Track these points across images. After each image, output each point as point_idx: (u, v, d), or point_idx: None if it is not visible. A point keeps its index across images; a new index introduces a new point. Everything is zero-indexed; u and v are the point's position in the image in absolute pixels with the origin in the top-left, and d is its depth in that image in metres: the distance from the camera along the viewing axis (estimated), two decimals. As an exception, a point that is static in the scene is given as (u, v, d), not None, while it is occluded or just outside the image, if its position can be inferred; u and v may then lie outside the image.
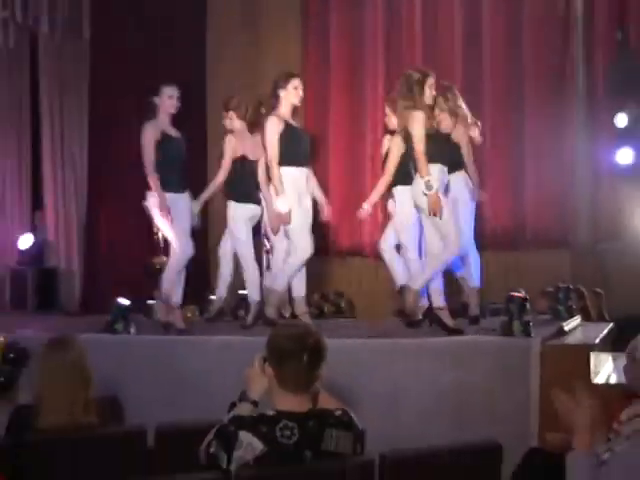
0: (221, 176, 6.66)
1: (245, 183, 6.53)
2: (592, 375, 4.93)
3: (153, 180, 6.04)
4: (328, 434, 2.83)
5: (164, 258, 8.58)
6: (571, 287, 6.86)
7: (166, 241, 8.76)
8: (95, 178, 9.13)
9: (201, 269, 9.14)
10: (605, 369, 5.44)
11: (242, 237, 6.55)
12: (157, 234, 8.73)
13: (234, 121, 6.67)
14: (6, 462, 2.82)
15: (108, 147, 9.05)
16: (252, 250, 6.60)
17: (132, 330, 5.92)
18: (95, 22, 9.34)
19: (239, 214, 6.55)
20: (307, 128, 9.42)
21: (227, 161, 6.60)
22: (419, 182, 5.51)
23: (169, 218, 6.07)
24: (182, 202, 6.22)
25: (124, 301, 5.98)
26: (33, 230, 10.19)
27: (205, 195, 6.76)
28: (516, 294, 5.17)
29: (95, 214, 9.10)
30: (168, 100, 6.14)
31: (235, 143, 6.59)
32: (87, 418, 3.27)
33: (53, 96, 10.13)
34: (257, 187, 6.45)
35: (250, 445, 2.72)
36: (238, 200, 6.56)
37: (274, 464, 2.74)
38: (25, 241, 9.54)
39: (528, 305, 5.16)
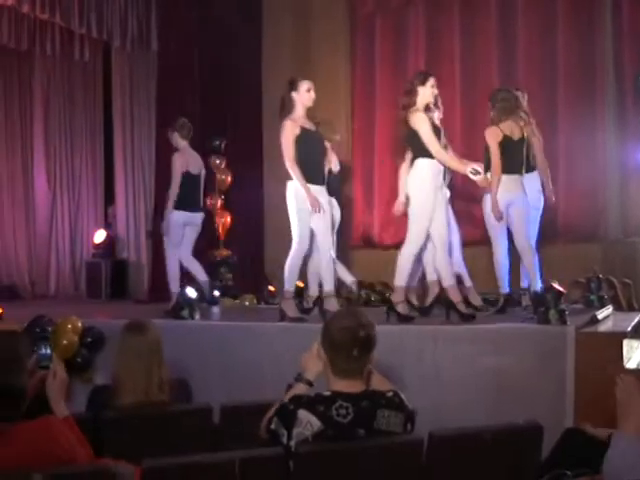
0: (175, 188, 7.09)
1: (190, 193, 7.12)
2: (625, 361, 4.83)
3: (297, 173, 5.67)
4: (380, 414, 2.82)
5: (224, 251, 8.66)
6: (602, 277, 6.73)
7: (226, 235, 8.87)
8: (162, 177, 9.11)
9: (258, 261, 9.22)
10: (636, 355, 5.33)
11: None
12: (218, 228, 8.82)
13: (178, 140, 7.24)
14: (87, 436, 2.82)
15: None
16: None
17: (196, 316, 5.95)
18: (162, 35, 9.40)
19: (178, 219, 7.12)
20: (355, 141, 9.53)
21: (177, 176, 7.06)
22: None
23: (318, 209, 5.67)
24: (323, 194, 5.90)
25: (190, 290, 6.01)
26: (106, 225, 10.31)
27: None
28: (553, 285, 5.09)
29: (162, 210, 9.14)
30: (306, 93, 5.79)
31: (181, 159, 7.12)
32: (160, 397, 3.28)
33: (124, 103, 10.25)
34: (199, 197, 7.26)
35: (309, 423, 2.72)
36: (179, 208, 7.12)
37: (330, 441, 2.73)
38: (99, 235, 9.66)
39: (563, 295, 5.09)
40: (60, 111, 10.80)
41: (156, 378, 3.26)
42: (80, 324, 5.89)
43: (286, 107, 5.84)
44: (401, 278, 5.65)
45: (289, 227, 5.90)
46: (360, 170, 9.51)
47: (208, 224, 8.82)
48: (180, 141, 7.21)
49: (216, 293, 7.43)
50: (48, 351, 2.68)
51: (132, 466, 2.79)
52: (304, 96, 5.80)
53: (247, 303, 7.52)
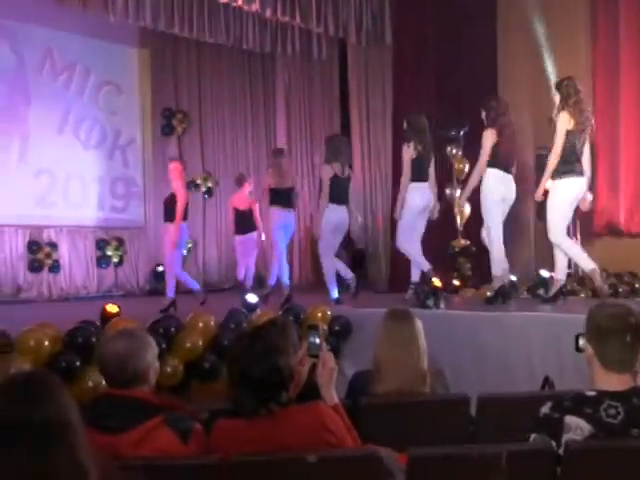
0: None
1: None
2: None
3: None
4: None
5: (462, 241, 8.56)
6: None
7: (465, 225, 8.76)
8: (398, 168, 9.20)
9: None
10: None
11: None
12: (456, 218, 8.73)
13: None
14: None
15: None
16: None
17: (442, 306, 5.90)
18: (396, 28, 9.47)
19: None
20: (598, 118, 8.96)
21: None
22: None
23: None
24: None
25: (436, 280, 5.98)
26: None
27: None
28: None
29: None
30: None
31: None
32: (421, 386, 3.25)
33: (360, 97, 10.47)
34: None
35: (578, 427, 2.56)
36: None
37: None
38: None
39: None
40: (300, 107, 11.30)
41: (418, 367, 3.24)
42: (329, 313, 6.08)
43: None
44: None
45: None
46: (603, 150, 8.94)
47: (446, 214, 8.79)
48: None
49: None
50: (318, 340, 2.73)
51: (396, 453, 2.80)
52: None
53: (489, 294, 7.34)
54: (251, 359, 2.54)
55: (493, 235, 6.36)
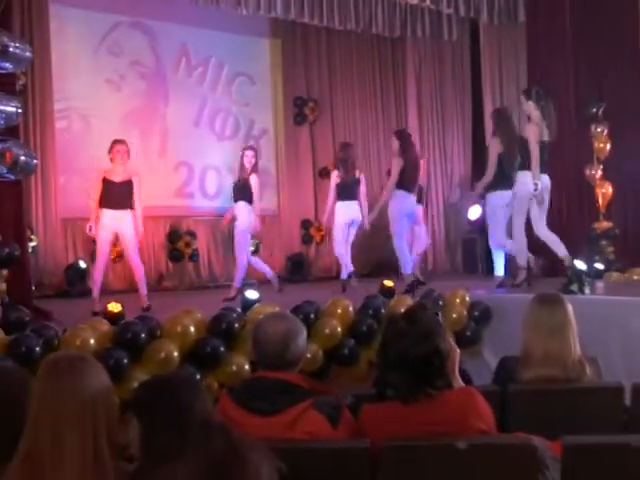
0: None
1: None
2: None
3: None
4: None
5: (604, 223, 8.22)
6: None
7: (607, 206, 8.40)
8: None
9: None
10: None
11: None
12: (598, 200, 8.39)
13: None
14: (494, 408, 2.81)
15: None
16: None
17: (586, 291, 5.70)
18: (529, 5, 9.17)
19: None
20: None
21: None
22: None
23: None
24: None
25: (580, 264, 5.78)
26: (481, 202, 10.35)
27: None
28: None
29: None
30: None
31: None
32: (575, 374, 3.14)
33: (493, 78, 10.27)
34: None
35: None
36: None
37: None
38: (474, 212, 9.73)
39: None
40: (431, 90, 11.19)
41: (573, 354, 3.13)
42: (468, 298, 5.99)
43: None
44: None
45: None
46: None
47: (587, 195, 8.47)
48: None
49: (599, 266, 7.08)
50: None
51: (547, 441, 2.72)
52: None
53: (636, 277, 7.04)
54: (411, 341, 2.49)
55: None
